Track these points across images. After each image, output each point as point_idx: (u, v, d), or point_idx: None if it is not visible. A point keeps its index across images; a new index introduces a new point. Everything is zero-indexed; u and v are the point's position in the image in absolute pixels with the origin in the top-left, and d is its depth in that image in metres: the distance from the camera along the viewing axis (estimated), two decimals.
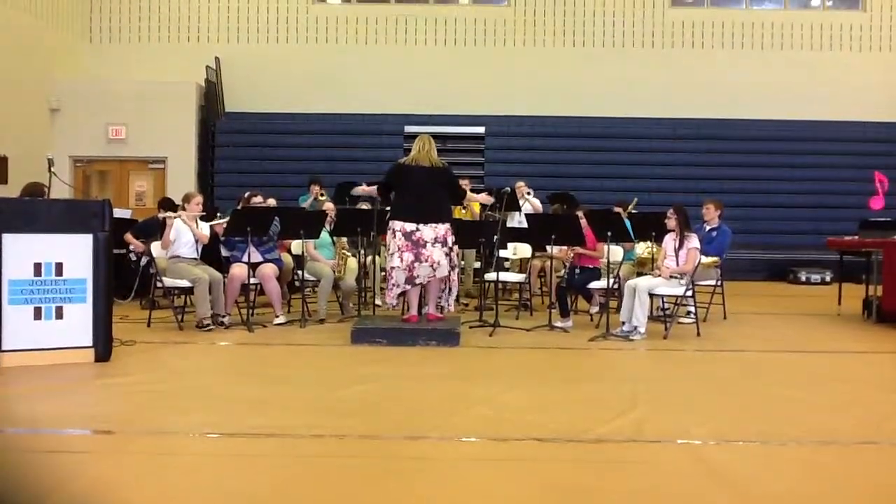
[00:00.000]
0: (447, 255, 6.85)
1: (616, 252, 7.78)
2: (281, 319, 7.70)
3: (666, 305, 7.84)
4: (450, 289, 7.11)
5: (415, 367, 5.90)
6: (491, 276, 8.06)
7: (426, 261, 6.76)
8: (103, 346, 5.80)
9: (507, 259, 9.48)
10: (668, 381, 5.62)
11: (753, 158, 14.79)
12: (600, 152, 14.84)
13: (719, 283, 8.35)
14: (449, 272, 6.95)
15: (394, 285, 6.87)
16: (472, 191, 9.25)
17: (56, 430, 4.13)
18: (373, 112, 15.16)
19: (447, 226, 6.89)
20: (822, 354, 6.83)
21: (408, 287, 6.89)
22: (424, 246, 6.76)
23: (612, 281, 7.52)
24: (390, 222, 6.94)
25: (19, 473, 3.19)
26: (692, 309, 7.77)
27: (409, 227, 6.78)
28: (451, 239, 6.92)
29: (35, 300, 5.65)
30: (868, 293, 8.65)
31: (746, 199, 14.18)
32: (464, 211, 9.55)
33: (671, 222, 7.43)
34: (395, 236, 6.83)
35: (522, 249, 9.08)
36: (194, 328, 7.29)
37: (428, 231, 6.78)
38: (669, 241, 7.50)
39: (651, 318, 7.50)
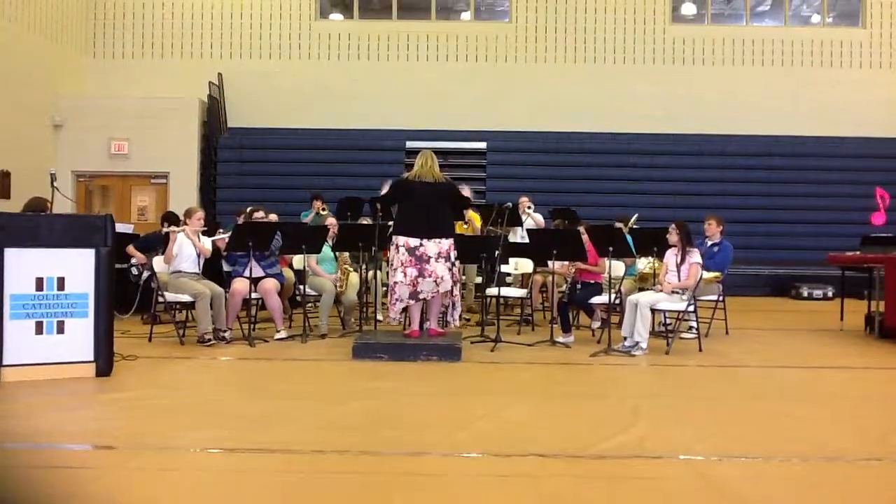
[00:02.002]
0: (450, 269, 6.86)
1: (617, 267, 7.78)
2: (282, 334, 7.69)
3: (668, 321, 7.83)
4: (453, 304, 7.11)
5: (416, 382, 5.89)
6: (492, 291, 8.06)
7: (430, 276, 6.77)
8: (105, 360, 5.80)
9: (508, 274, 9.48)
10: (669, 397, 5.60)
11: (755, 174, 14.83)
12: (602, 168, 14.87)
13: (721, 298, 8.34)
14: (452, 287, 6.95)
15: (397, 300, 6.87)
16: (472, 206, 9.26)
17: (57, 446, 4.12)
18: (374, 127, 15.23)
19: (450, 241, 6.90)
20: (824, 370, 6.81)
21: (411, 302, 6.90)
22: (428, 261, 6.77)
23: (613, 296, 7.51)
24: (393, 237, 6.95)
25: (19, 489, 3.18)
26: (694, 324, 7.76)
27: (413, 242, 6.80)
28: (454, 254, 6.93)
29: (37, 315, 5.65)
30: (870, 309, 8.63)
31: (747, 215, 14.20)
32: (465, 226, 9.56)
33: (673, 237, 7.43)
34: (398, 251, 6.84)
35: (524, 265, 9.08)
36: (196, 343, 7.28)
37: (432, 246, 6.79)
38: (671, 256, 7.50)
39: (653, 333, 7.49)
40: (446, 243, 6.85)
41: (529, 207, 10.19)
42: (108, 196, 15.17)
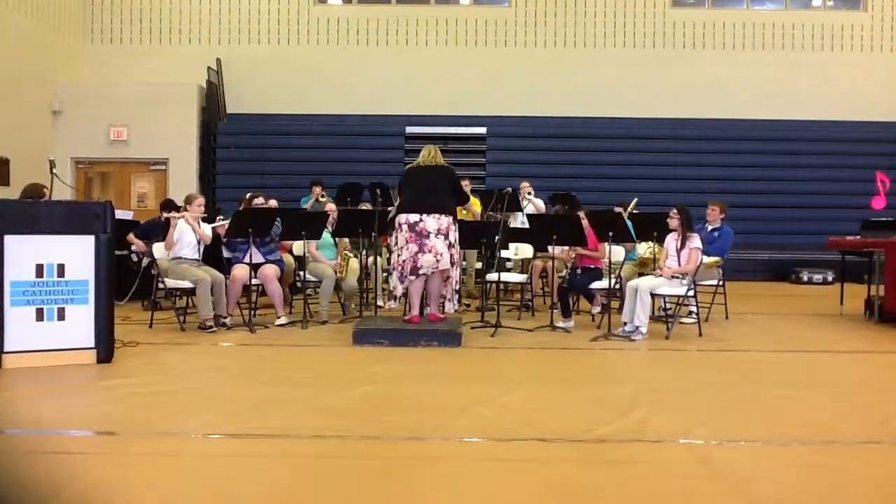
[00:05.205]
0: (448, 249, 6.87)
1: (617, 252, 7.78)
2: (283, 320, 7.70)
3: (668, 306, 7.83)
4: (453, 292, 7.12)
5: (416, 367, 5.90)
6: (492, 276, 8.06)
7: (430, 251, 6.81)
8: (105, 347, 5.81)
9: (508, 259, 9.48)
10: (669, 382, 5.61)
11: (755, 158, 14.79)
12: (602, 153, 14.83)
13: (721, 283, 8.34)
14: (450, 268, 6.94)
15: (404, 277, 6.90)
16: (473, 192, 9.25)
17: (58, 432, 4.14)
18: (374, 113, 15.18)
19: (450, 219, 6.92)
20: (824, 354, 6.82)
21: (412, 278, 6.91)
22: (428, 237, 6.82)
23: (613, 281, 7.51)
24: (396, 220, 7.01)
25: (22, 475, 3.19)
26: (694, 309, 7.76)
27: (413, 218, 6.85)
28: (452, 234, 6.92)
29: (37, 301, 5.66)
30: (870, 293, 8.64)
31: (748, 199, 14.18)
32: (465, 212, 9.54)
33: (674, 222, 7.42)
34: (400, 230, 6.91)
35: (524, 250, 9.08)
36: (196, 329, 7.30)
37: (431, 221, 6.83)
38: (671, 241, 7.49)
39: (653, 318, 7.50)
40: (445, 220, 6.87)
41: (530, 193, 10.18)
42: (108, 183, 15.15)
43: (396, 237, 7.00)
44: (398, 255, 6.94)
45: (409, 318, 7.06)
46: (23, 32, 13.44)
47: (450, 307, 7.24)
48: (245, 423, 4.26)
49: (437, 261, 6.84)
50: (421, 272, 6.89)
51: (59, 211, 5.82)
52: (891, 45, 15.59)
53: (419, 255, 6.82)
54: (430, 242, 6.82)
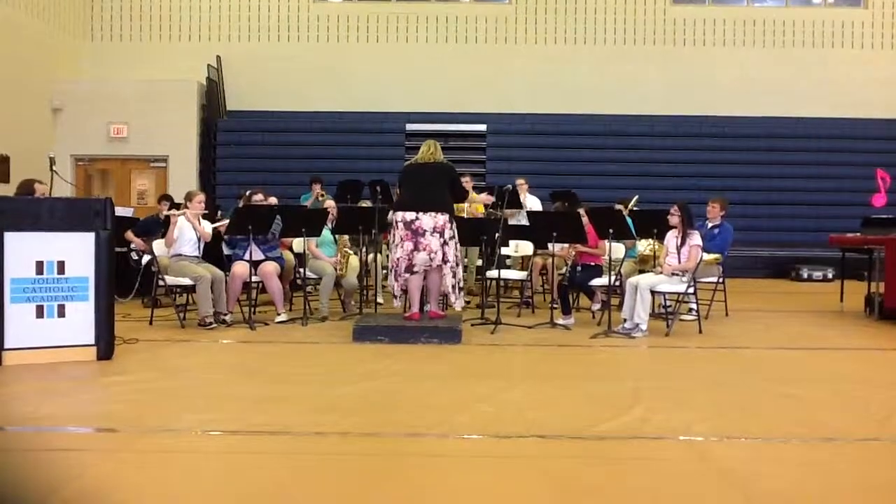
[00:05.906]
0: (443, 246, 6.87)
1: (618, 249, 7.78)
2: (283, 317, 7.70)
3: (668, 303, 7.83)
4: (454, 286, 7.10)
5: (416, 364, 5.90)
6: (493, 273, 8.06)
7: (424, 249, 6.82)
8: (105, 344, 5.81)
9: (508, 256, 9.47)
10: (669, 378, 5.61)
11: (756, 155, 14.79)
12: (602, 150, 14.84)
13: (721, 280, 8.35)
14: (444, 265, 6.93)
15: (399, 275, 6.91)
16: (474, 188, 9.24)
17: (58, 429, 4.14)
18: (374, 110, 15.19)
19: (446, 217, 6.92)
20: (824, 351, 6.82)
21: (407, 275, 6.93)
22: (423, 235, 6.83)
23: (613, 278, 7.51)
24: (393, 216, 7.00)
25: (21, 472, 3.20)
26: (694, 306, 7.77)
27: (409, 216, 6.86)
28: (448, 231, 6.91)
29: (37, 298, 5.66)
30: (870, 290, 8.64)
31: (748, 196, 14.19)
32: (468, 210, 9.52)
33: (674, 219, 7.42)
34: (397, 228, 6.91)
35: (524, 247, 9.08)
36: (196, 326, 7.30)
37: (427, 220, 6.84)
38: (671, 238, 7.49)
39: (653, 315, 7.50)
40: (442, 218, 6.87)
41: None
42: (108, 180, 15.16)
43: (393, 234, 7.01)
44: (394, 253, 6.96)
45: (409, 314, 7.06)
46: (23, 30, 13.44)
47: (457, 304, 7.22)
48: (245, 420, 4.26)
49: (431, 259, 6.86)
50: (415, 270, 6.90)
51: (59, 208, 5.81)
52: (892, 42, 15.59)
53: (414, 254, 6.84)
54: (424, 241, 6.83)
